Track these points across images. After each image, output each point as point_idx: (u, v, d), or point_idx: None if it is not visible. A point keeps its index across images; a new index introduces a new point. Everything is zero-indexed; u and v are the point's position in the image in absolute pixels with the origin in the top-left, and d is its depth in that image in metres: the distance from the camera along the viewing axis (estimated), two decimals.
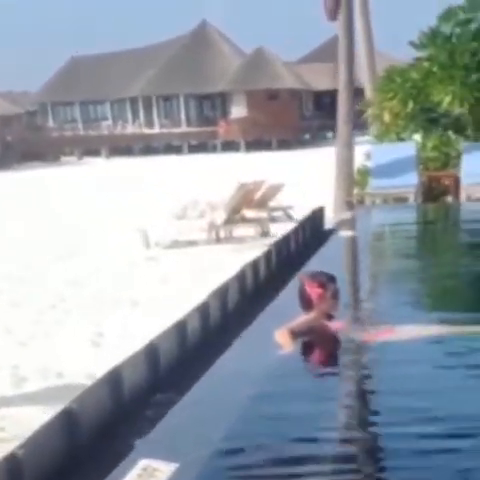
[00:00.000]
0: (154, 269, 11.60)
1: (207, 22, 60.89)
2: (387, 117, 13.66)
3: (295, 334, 4.85)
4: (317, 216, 10.34)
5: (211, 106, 57.80)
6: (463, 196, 11.71)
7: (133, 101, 59.35)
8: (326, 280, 5.09)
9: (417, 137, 13.26)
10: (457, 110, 12.80)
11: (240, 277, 6.67)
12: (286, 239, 8.56)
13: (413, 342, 4.85)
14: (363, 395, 4.24)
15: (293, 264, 7.98)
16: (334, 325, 5.06)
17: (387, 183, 11.83)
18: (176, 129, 55.61)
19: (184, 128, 56.10)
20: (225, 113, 55.36)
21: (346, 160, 14.03)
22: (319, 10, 13.82)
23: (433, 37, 13.30)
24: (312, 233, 9.69)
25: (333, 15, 13.81)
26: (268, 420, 3.84)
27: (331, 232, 9.94)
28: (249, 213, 14.80)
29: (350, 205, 12.50)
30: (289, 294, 6.51)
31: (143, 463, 3.21)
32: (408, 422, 3.68)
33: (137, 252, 13.03)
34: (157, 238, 13.66)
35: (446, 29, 13.25)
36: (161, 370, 4.75)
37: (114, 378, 4.20)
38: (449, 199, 12.35)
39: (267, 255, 7.64)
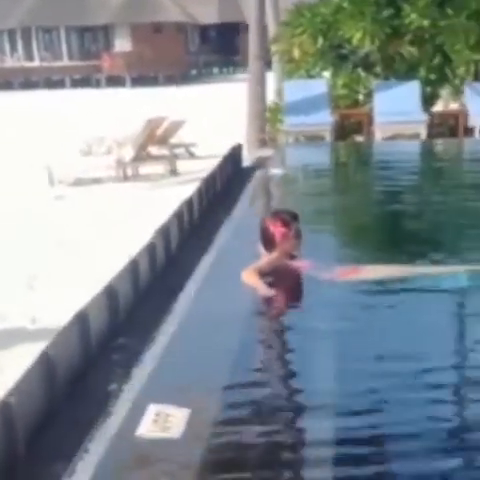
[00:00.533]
0: (66, 208, 11.19)
1: None
2: (296, 53, 13.38)
3: (262, 274, 4.74)
4: (236, 153, 10.17)
5: (93, 39, 56.06)
6: (378, 135, 11.71)
7: (11, 32, 56.80)
8: (289, 218, 4.95)
9: (326, 74, 13.14)
10: (367, 47, 12.72)
11: (178, 215, 6.52)
12: (213, 176, 8.39)
13: (377, 282, 4.84)
14: (327, 335, 4.17)
15: (223, 202, 7.89)
16: (297, 264, 4.96)
17: (301, 120, 11.68)
18: (57, 63, 53.75)
19: (66, 62, 54.27)
20: (108, 46, 53.87)
21: (258, 97, 13.79)
22: None
23: None
24: (234, 171, 9.56)
25: None
26: (263, 358, 3.88)
27: (251, 170, 9.83)
28: (154, 150, 14.47)
29: (263, 143, 12.36)
30: (230, 233, 6.44)
31: (155, 409, 3.04)
32: (373, 360, 3.75)
33: (42, 190, 12.50)
34: (61, 175, 13.15)
35: None
36: (120, 313, 4.57)
37: (81, 321, 4.03)
38: (360, 138, 12.38)
39: (199, 192, 7.50)
